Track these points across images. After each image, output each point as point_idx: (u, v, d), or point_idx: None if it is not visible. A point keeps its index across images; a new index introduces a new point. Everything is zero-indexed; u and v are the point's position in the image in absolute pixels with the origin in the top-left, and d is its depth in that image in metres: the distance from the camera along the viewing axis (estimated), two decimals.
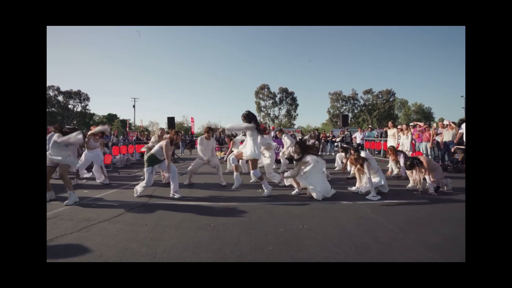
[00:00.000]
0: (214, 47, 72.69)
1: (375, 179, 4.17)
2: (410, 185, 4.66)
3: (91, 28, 65.62)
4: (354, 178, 4.96)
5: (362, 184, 4.34)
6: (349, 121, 38.53)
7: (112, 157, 7.51)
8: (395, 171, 6.00)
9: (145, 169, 4.13)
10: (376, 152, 11.04)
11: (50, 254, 2.18)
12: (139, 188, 4.18)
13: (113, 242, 2.43)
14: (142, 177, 4.51)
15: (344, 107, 43.99)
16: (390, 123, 8.67)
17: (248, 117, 4.24)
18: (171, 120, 10.75)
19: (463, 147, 6.79)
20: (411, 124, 9.15)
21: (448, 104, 65.68)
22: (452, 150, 7.20)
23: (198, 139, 5.28)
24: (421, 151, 7.92)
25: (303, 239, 2.47)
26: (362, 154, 4.42)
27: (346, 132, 12.89)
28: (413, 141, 7.83)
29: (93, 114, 46.55)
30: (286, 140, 6.64)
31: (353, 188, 4.53)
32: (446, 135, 7.56)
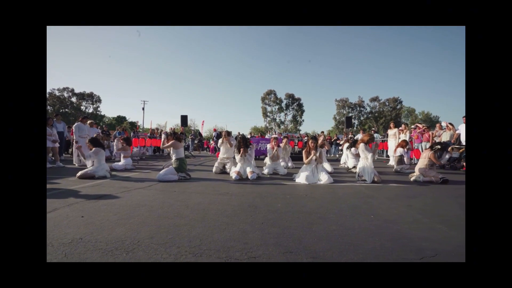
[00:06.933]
0: (223, 52, 74.54)
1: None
2: (413, 177, 5.09)
3: (103, 29, 68.12)
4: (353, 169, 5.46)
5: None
6: (355, 127, 39.06)
7: (132, 148, 8.16)
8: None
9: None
10: (379, 152, 11.50)
11: (107, 202, 2.78)
12: None
13: (152, 198, 3.01)
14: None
15: (350, 114, 44.32)
16: (391, 124, 9.18)
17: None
18: (184, 118, 11.39)
19: (458, 146, 7.24)
20: (412, 126, 9.65)
21: (456, 113, 65.44)
22: (449, 149, 7.64)
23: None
24: (422, 150, 8.37)
25: (306, 202, 3.00)
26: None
27: (350, 135, 13.35)
28: (411, 140, 8.30)
29: (103, 116, 47.97)
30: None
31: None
32: (445, 136, 8.04)
